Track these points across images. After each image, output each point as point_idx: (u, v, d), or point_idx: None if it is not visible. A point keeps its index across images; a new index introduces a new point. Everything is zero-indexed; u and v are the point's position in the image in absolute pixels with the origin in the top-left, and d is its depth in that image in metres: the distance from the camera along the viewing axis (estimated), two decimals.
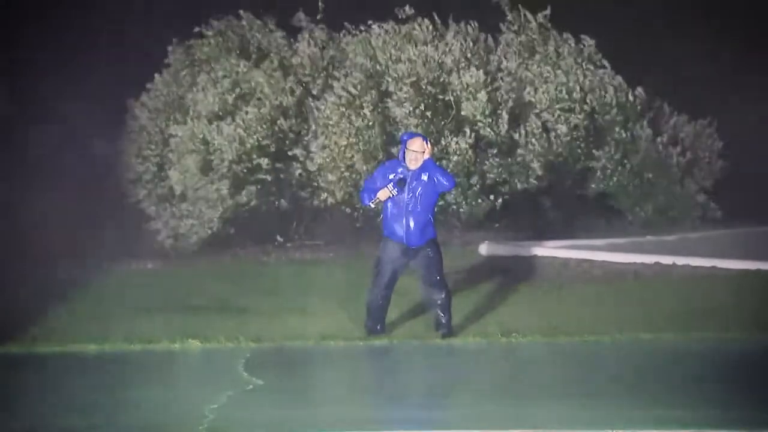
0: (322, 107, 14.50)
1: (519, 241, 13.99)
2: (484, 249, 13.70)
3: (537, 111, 14.91)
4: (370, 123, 14.31)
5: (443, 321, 9.89)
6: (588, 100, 14.97)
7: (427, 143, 9.74)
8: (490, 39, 15.49)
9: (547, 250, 13.48)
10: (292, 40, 15.29)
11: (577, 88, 14.91)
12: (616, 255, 13.09)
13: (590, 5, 15.43)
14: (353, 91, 14.38)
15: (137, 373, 9.09)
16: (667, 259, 12.74)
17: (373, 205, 9.94)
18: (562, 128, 14.81)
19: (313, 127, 14.59)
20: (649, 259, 12.82)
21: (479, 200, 14.64)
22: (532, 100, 14.97)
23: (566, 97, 14.88)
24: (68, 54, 14.46)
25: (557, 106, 14.88)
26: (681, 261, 12.65)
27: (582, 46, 15.38)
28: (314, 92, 14.82)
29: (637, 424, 7.11)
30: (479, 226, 14.82)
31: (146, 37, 15.01)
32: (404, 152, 9.73)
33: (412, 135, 9.92)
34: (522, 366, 9.26)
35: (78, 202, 13.85)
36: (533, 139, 14.71)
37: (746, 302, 10.86)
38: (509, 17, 15.53)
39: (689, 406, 7.60)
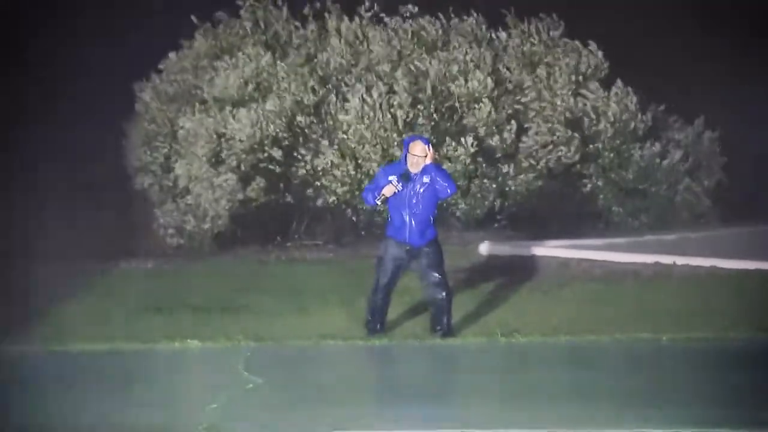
0: (342, 105, 14.45)
1: (519, 241, 13.99)
2: (484, 248, 13.69)
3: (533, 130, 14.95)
4: (387, 127, 14.27)
5: (441, 322, 9.88)
6: (583, 126, 14.97)
7: (429, 147, 9.75)
8: (495, 42, 15.43)
9: (547, 249, 13.46)
10: (312, 30, 15.18)
11: (573, 112, 14.92)
12: (616, 255, 13.08)
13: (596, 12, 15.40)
14: (375, 96, 14.34)
15: (137, 373, 9.09)
16: (667, 259, 12.73)
17: (379, 203, 9.88)
18: (555, 151, 14.86)
19: (326, 125, 14.53)
20: (649, 259, 12.81)
21: (478, 201, 14.63)
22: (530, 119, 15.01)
23: (561, 123, 14.88)
24: (71, 38, 14.38)
25: (552, 138, 14.88)
26: (681, 261, 12.65)
27: (584, 62, 15.26)
28: (336, 91, 14.75)
29: (637, 424, 7.11)
30: (479, 225, 14.81)
31: (170, 17, 14.73)
32: (406, 155, 9.76)
33: (414, 138, 9.97)
34: (522, 366, 9.26)
35: (78, 201, 13.84)
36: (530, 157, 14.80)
37: (746, 302, 10.86)
38: (514, 26, 15.48)
39: (689, 406, 7.61)
